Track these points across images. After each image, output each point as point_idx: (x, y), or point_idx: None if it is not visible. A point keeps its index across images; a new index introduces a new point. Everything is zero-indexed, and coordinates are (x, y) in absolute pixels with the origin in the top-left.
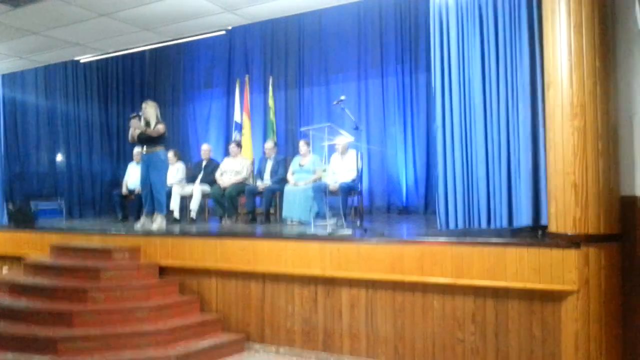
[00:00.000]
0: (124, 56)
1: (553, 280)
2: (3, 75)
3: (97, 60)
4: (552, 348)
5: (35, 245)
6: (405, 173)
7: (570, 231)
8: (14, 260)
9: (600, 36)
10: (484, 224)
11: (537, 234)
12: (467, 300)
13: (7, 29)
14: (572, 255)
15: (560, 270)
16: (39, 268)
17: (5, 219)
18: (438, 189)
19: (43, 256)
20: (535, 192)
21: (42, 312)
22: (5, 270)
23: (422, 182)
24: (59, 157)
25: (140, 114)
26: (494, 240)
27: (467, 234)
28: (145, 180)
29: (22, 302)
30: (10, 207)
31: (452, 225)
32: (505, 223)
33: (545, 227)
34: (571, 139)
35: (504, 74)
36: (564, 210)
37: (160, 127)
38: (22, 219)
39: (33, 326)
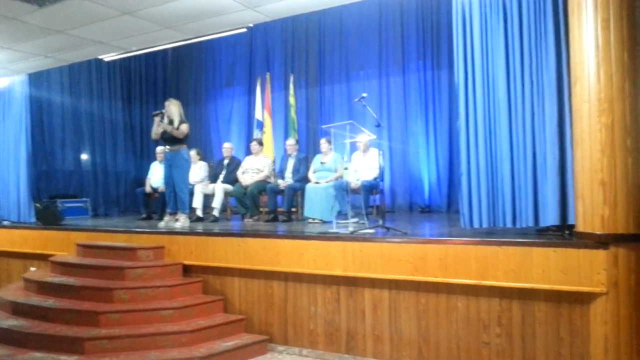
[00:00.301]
0: (146, 55)
1: (581, 282)
2: (29, 74)
3: (121, 59)
4: (580, 351)
5: (61, 244)
6: (427, 171)
7: (598, 230)
8: (42, 258)
9: (629, 30)
10: (509, 223)
11: (564, 233)
12: (492, 301)
13: (33, 28)
14: (600, 256)
15: (589, 271)
16: (65, 267)
17: (32, 217)
18: (461, 187)
19: (69, 255)
20: (562, 191)
21: (69, 312)
22: (33, 268)
23: (444, 181)
24: (84, 156)
25: (163, 111)
26: (520, 239)
27: (492, 233)
28: (168, 178)
29: (49, 301)
30: (37, 205)
31: (476, 224)
32: (531, 222)
33: (572, 227)
34: (599, 136)
35: (529, 69)
36: (592, 209)
37: (184, 127)
38: (49, 218)
39: (61, 325)
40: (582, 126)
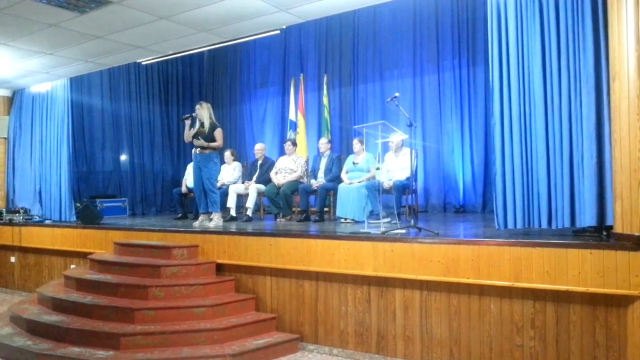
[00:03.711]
0: (182, 58)
1: (618, 285)
2: (71, 79)
3: (158, 62)
4: (617, 356)
5: (100, 242)
6: (462, 171)
7: (637, 232)
8: (81, 256)
9: None
10: (544, 224)
11: (601, 234)
12: (526, 303)
13: (74, 34)
14: (639, 258)
15: (627, 273)
16: (103, 264)
17: (73, 216)
18: (496, 187)
19: (107, 253)
20: (599, 190)
21: (106, 308)
22: (73, 266)
23: (480, 180)
24: (123, 157)
25: (194, 115)
26: (555, 241)
27: (527, 234)
28: (198, 180)
29: (87, 298)
30: (78, 205)
31: (510, 225)
32: (567, 223)
33: (610, 228)
34: (638, 134)
35: (565, 65)
36: (631, 210)
37: (219, 137)
38: (89, 217)
39: (98, 321)
40: (621, 123)
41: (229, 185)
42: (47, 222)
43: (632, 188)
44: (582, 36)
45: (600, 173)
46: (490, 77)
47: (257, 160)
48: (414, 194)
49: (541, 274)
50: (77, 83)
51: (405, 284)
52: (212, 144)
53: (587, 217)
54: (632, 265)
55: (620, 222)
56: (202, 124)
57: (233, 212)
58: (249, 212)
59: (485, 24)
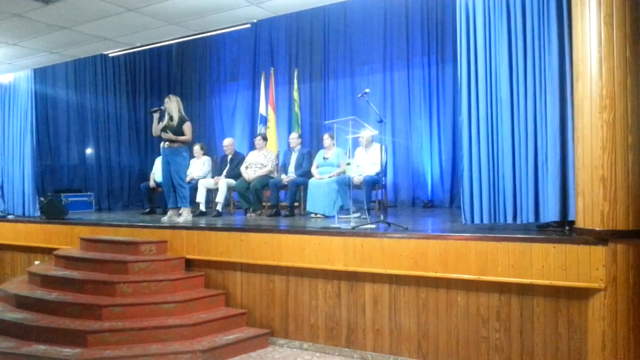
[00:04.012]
0: (151, 50)
1: (580, 278)
2: (35, 70)
3: (125, 55)
4: (579, 346)
5: (65, 238)
6: (430, 166)
7: (598, 227)
8: (46, 252)
9: (632, 26)
10: (510, 219)
11: (564, 229)
12: (491, 296)
13: (39, 25)
14: (599, 252)
15: (588, 267)
16: (69, 260)
17: (37, 211)
18: (463, 183)
19: (73, 249)
20: (562, 187)
21: (72, 305)
22: (37, 262)
23: (448, 176)
24: (89, 151)
25: (162, 108)
26: (519, 235)
27: (493, 229)
28: (167, 174)
29: (53, 295)
30: (42, 200)
31: (477, 220)
32: (531, 218)
33: (572, 223)
34: (600, 132)
35: (531, 65)
36: (592, 205)
37: (188, 130)
38: (53, 212)
39: (64, 318)
40: (584, 122)
41: (199, 179)
42: (10, 217)
43: (594, 185)
44: (547, 37)
45: (564, 170)
46: (458, 76)
47: (227, 155)
48: (383, 189)
49: (506, 267)
50: (41, 74)
51: (375, 278)
52: (181, 138)
53: (550, 213)
54: (592, 259)
55: (582, 217)
56: (170, 118)
57: (202, 207)
58: (219, 207)
59: (454, 23)
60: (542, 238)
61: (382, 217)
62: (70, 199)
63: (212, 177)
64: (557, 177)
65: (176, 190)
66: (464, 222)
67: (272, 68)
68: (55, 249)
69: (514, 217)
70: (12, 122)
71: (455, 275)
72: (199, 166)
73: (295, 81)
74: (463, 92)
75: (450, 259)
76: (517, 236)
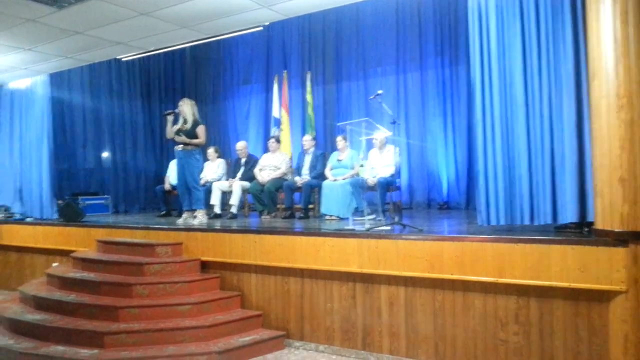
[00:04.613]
0: (165, 54)
1: (600, 280)
2: (50, 75)
3: (139, 59)
4: (599, 350)
5: (83, 240)
6: (445, 168)
7: (617, 228)
8: (64, 254)
9: None
10: (527, 221)
11: (582, 231)
12: (509, 299)
13: (53, 30)
14: (619, 254)
15: (608, 269)
16: (86, 262)
17: (54, 214)
18: (479, 184)
19: (90, 251)
20: (580, 188)
21: (89, 306)
22: (55, 264)
23: (463, 177)
24: (105, 154)
25: (176, 111)
26: (537, 237)
27: (510, 230)
28: (181, 177)
29: (71, 296)
30: (60, 203)
31: (493, 221)
32: (549, 219)
33: (591, 224)
34: (618, 132)
35: (546, 65)
36: (611, 206)
37: (202, 133)
38: (71, 215)
39: (81, 320)
40: (601, 122)
41: (213, 182)
42: (29, 219)
43: (612, 185)
44: (562, 36)
45: (581, 170)
46: (472, 76)
47: (240, 158)
48: (398, 191)
49: (524, 269)
50: (57, 79)
51: (390, 280)
52: (194, 141)
53: (568, 214)
54: (612, 260)
55: (601, 218)
56: (184, 120)
57: (217, 210)
58: (234, 210)
59: (467, 23)
60: (560, 239)
61: (396, 218)
62: (87, 201)
63: (227, 180)
64: (575, 178)
65: (191, 193)
66: (480, 223)
67: (285, 71)
68: (72, 251)
69: (531, 219)
70: (29, 127)
71: (472, 278)
72: (213, 169)
73: (309, 83)
74: (477, 93)
75: (467, 261)
76: (534, 237)
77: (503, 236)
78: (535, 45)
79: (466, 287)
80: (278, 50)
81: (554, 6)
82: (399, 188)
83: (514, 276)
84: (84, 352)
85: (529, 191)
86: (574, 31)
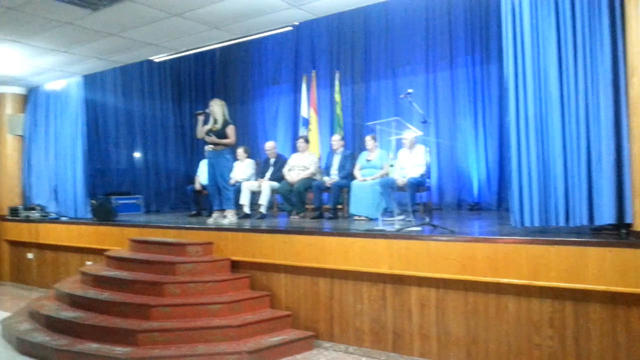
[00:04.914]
0: (195, 55)
1: (639, 283)
2: (84, 76)
3: (171, 60)
4: (638, 356)
5: (116, 239)
6: (477, 168)
7: None
8: (97, 253)
9: None
10: (562, 222)
11: (620, 232)
12: (544, 302)
13: (87, 32)
14: None
15: None
16: (119, 261)
17: (88, 214)
18: (512, 184)
19: (123, 250)
20: (618, 188)
21: (122, 304)
22: (89, 263)
23: (494, 177)
24: (137, 154)
25: (207, 111)
26: (573, 239)
27: (544, 231)
28: (212, 177)
29: (104, 294)
30: (93, 202)
31: (527, 222)
32: (585, 221)
33: (629, 225)
34: None
35: (582, 61)
36: None
37: (232, 133)
38: (104, 214)
39: (115, 318)
40: None
41: (242, 182)
42: (63, 219)
43: None
44: (599, 32)
45: (619, 170)
46: (505, 74)
47: (269, 158)
48: (428, 191)
49: (559, 272)
50: (91, 80)
51: (421, 281)
52: (224, 141)
53: (605, 215)
54: None
55: None
56: (215, 121)
57: (247, 209)
58: (263, 209)
59: (499, 19)
60: (597, 242)
61: (427, 219)
62: (119, 201)
63: (256, 180)
64: (612, 178)
65: (221, 193)
66: (513, 224)
67: (313, 71)
68: (106, 250)
69: (567, 220)
70: (64, 127)
71: (505, 280)
72: (242, 169)
73: (337, 83)
74: (510, 91)
75: (500, 263)
76: (571, 239)
77: (538, 237)
78: (571, 40)
79: (499, 289)
80: (307, 50)
81: (590, 1)
82: (428, 188)
83: (549, 279)
84: (118, 349)
85: (564, 191)
86: (611, 26)
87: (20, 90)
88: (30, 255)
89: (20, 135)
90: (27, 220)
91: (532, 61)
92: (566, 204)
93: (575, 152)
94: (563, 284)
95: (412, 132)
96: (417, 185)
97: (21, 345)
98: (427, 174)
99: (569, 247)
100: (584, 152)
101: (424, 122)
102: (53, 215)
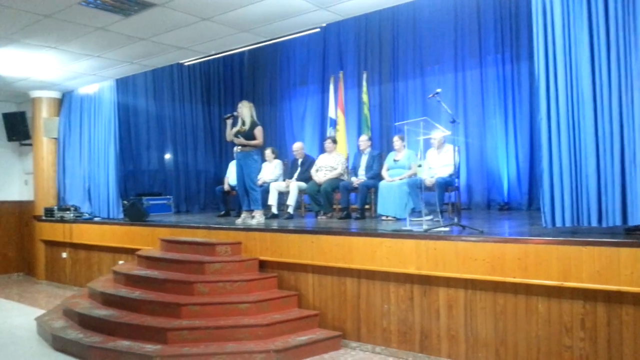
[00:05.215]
0: (224, 58)
1: None
2: (117, 80)
3: (200, 63)
4: None
5: (147, 239)
6: (506, 167)
7: None
8: (129, 252)
9: None
10: (594, 222)
11: None
12: (575, 304)
13: (119, 37)
14: None
15: None
16: (150, 260)
17: (120, 214)
18: (543, 184)
19: (154, 249)
20: None
21: (153, 303)
22: (121, 262)
23: (525, 177)
24: (167, 156)
25: (235, 114)
26: (606, 239)
27: (575, 232)
28: (240, 178)
29: (136, 293)
30: (125, 203)
31: (558, 222)
32: (618, 221)
33: None
34: None
35: (615, 58)
36: None
37: (259, 135)
38: (136, 215)
39: (146, 316)
40: None
41: (270, 183)
42: (96, 219)
43: None
44: (632, 27)
45: None
46: (536, 72)
47: (297, 159)
48: (456, 191)
49: (591, 273)
50: (123, 84)
51: (449, 282)
52: (252, 142)
53: (639, 215)
54: None
55: None
56: (243, 123)
57: (274, 210)
58: (291, 210)
59: (530, 17)
60: (631, 242)
61: (455, 219)
62: (150, 202)
63: (284, 180)
64: None
65: (249, 193)
66: (544, 225)
67: (341, 71)
68: (137, 250)
69: (599, 220)
70: (97, 130)
71: (535, 281)
72: (270, 170)
73: (365, 83)
74: (541, 90)
75: (530, 264)
76: (603, 240)
77: (569, 238)
78: (604, 37)
79: (529, 290)
80: (334, 51)
81: None
82: (457, 188)
83: (580, 280)
84: (148, 347)
85: (596, 191)
86: None
87: (55, 94)
88: (64, 255)
89: (55, 138)
90: (62, 220)
91: (563, 58)
92: (599, 204)
93: (608, 151)
94: (595, 285)
95: (440, 132)
96: (446, 185)
97: (56, 341)
98: (456, 173)
99: (602, 247)
100: (618, 151)
101: (453, 121)
102: (86, 216)
